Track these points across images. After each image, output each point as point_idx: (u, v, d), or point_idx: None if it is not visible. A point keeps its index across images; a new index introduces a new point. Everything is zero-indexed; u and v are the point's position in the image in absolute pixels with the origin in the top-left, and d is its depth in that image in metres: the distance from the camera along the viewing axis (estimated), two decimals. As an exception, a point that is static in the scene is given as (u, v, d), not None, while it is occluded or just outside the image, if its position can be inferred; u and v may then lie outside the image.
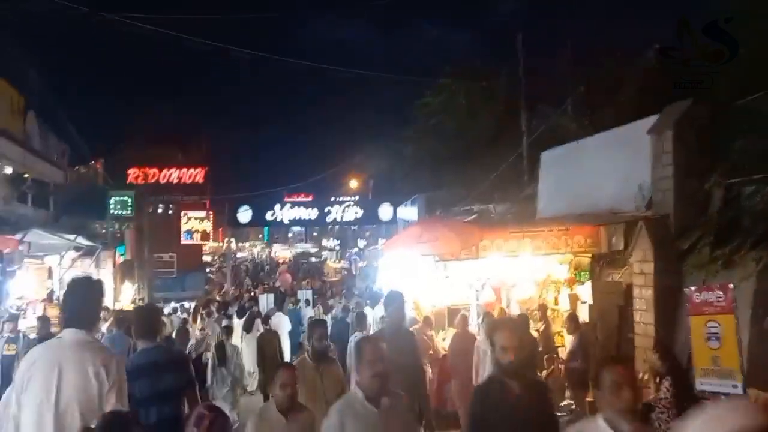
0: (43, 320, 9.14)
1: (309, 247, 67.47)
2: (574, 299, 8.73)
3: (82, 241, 11.85)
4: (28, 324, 10.40)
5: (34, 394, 3.06)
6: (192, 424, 2.81)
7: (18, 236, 9.19)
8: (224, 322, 11.31)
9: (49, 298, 11.54)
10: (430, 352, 8.62)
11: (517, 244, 8.59)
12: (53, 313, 11.07)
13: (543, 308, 9.12)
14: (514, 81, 13.82)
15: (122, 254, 18.67)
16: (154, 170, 29.41)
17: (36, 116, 18.13)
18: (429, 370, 8.28)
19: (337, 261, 53.59)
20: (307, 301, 17.74)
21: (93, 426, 2.69)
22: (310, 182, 29.66)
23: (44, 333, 8.19)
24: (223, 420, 2.87)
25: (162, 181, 29.33)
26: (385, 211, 30.03)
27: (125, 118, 30.18)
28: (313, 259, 59.50)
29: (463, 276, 9.47)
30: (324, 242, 66.47)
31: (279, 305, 19.19)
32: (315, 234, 67.17)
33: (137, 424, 2.82)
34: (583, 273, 8.89)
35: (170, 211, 29.29)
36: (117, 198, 18.37)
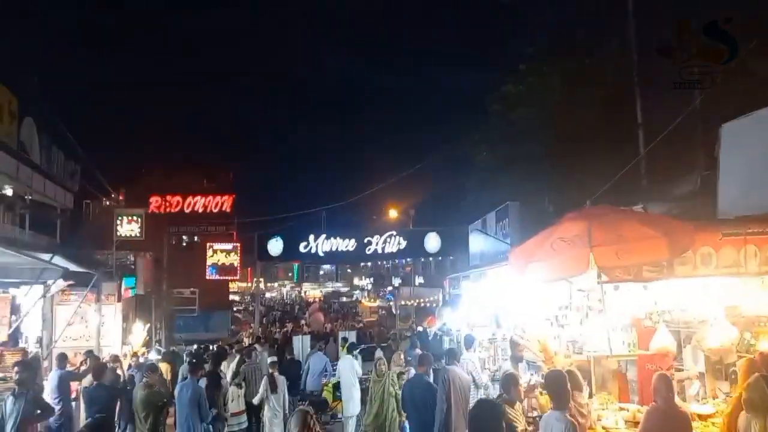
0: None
1: (340, 286, 64.55)
2: None
3: (60, 262, 8.77)
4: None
5: None
6: None
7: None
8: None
9: (13, 340, 8.42)
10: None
11: (735, 255, 5.15)
12: (11, 361, 7.96)
13: (765, 360, 5.50)
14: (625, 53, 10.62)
15: (132, 287, 15.63)
16: (178, 198, 26.77)
17: (37, 127, 15.53)
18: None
19: (371, 300, 50.24)
20: (353, 344, 14.26)
21: None
22: (350, 202, 26.47)
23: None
24: None
25: (186, 210, 26.64)
26: (431, 242, 26.67)
27: (148, 145, 27.92)
28: (344, 299, 56.45)
29: (619, 309, 6.01)
30: (356, 281, 63.49)
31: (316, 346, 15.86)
32: (349, 271, 64.02)
33: None
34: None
35: (195, 240, 26.61)
36: (125, 217, 15.46)
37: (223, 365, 11.20)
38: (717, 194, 6.95)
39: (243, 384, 10.09)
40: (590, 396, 5.96)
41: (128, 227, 15.44)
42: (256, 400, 9.73)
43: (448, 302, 15.47)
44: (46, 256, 8.49)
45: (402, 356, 10.07)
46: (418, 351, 10.17)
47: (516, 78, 12.56)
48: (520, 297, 6.98)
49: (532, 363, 6.86)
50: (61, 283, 10.89)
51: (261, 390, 9.55)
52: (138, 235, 15.64)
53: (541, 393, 6.41)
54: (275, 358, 10.38)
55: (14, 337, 8.58)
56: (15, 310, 8.85)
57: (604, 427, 5.35)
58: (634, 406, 5.75)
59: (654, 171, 9.68)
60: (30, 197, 16.23)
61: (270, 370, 9.75)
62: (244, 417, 9.90)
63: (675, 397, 4.83)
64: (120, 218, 15.37)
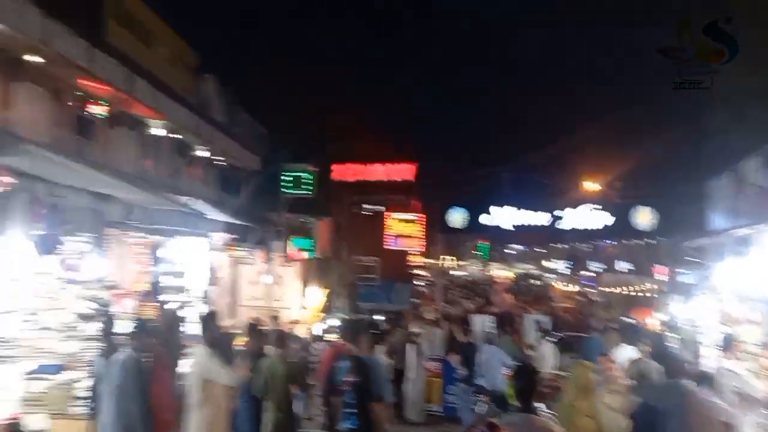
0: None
1: (531, 267, 60.62)
2: None
3: (198, 206, 7.68)
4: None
5: None
6: None
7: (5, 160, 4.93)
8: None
9: (152, 292, 7.58)
10: None
11: None
12: (149, 313, 7.08)
13: None
14: None
15: (308, 249, 14.89)
16: (359, 166, 26.39)
17: (218, 85, 15.46)
18: None
19: (565, 284, 45.88)
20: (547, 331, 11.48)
21: None
22: (539, 168, 23.37)
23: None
24: None
25: (367, 178, 26.17)
26: (643, 217, 22.13)
27: (330, 114, 27.75)
28: (536, 282, 52.52)
29: None
30: (548, 263, 58.98)
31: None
32: (542, 251, 59.91)
33: None
34: None
35: (377, 209, 26.17)
36: (292, 174, 14.69)
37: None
38: None
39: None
40: None
41: (295, 185, 14.61)
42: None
43: (674, 290, 11.79)
44: (186, 199, 7.51)
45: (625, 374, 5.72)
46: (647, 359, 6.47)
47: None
48: None
49: None
50: (223, 236, 10.26)
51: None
52: (309, 193, 14.81)
53: None
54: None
55: (153, 290, 7.78)
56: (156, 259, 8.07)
57: None
58: None
59: None
60: (214, 156, 16.40)
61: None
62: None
63: None
64: (288, 175, 14.65)
